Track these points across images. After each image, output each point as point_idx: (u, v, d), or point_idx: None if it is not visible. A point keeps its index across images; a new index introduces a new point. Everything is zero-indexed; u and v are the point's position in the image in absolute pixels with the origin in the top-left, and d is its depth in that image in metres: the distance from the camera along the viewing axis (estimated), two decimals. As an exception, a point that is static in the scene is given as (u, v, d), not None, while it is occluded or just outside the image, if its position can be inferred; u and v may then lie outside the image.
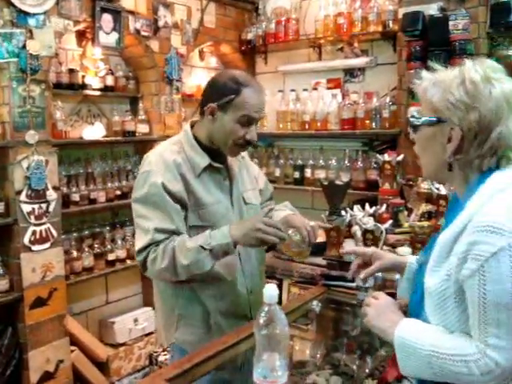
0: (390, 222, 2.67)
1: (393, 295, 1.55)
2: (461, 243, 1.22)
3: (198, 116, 2.08)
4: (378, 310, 1.44)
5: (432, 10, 3.44)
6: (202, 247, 1.84)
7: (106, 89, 3.84)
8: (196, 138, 2.03)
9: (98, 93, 3.79)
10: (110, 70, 3.90)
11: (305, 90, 4.36)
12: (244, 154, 2.24)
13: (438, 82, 1.33)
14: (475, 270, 1.17)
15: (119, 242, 3.89)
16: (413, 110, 1.29)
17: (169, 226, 1.90)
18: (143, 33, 3.86)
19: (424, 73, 1.38)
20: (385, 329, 1.38)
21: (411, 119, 1.39)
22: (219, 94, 1.94)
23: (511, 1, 3.24)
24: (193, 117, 4.61)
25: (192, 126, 2.08)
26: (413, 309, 1.39)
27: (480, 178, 1.30)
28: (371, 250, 1.74)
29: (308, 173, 4.21)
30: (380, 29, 3.84)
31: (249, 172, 2.27)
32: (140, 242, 1.91)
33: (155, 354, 4.04)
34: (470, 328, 1.21)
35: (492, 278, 1.15)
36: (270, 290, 1.29)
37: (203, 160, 2.00)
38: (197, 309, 2.04)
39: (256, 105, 1.95)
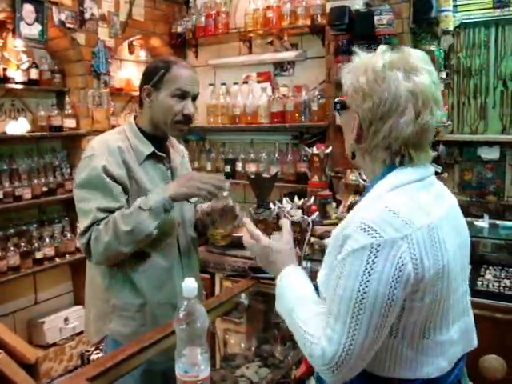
0: (317, 213, 2.71)
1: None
2: (340, 237, 1.21)
3: (139, 110, 2.14)
4: (260, 261, 1.50)
5: (358, 4, 3.50)
6: (140, 208, 1.88)
7: (30, 82, 3.72)
8: (140, 129, 2.08)
9: (21, 86, 3.66)
10: (34, 62, 3.77)
11: (235, 83, 4.36)
12: (185, 153, 2.33)
13: (353, 68, 1.31)
14: (339, 261, 1.18)
15: (47, 239, 3.79)
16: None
17: (112, 205, 1.92)
18: (68, 25, 3.76)
19: (353, 58, 1.35)
20: (274, 272, 1.45)
21: (335, 103, 1.40)
22: (151, 75, 2.03)
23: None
24: (122, 111, 4.54)
25: (135, 119, 2.14)
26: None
27: (383, 173, 1.28)
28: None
29: (239, 166, 4.21)
30: (309, 23, 3.87)
31: (187, 171, 2.30)
32: (82, 224, 1.92)
33: (87, 354, 3.97)
34: None
35: (346, 272, 1.15)
36: (189, 284, 1.29)
37: (147, 148, 2.05)
38: (134, 299, 2.04)
39: (187, 77, 2.03)
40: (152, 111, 2.05)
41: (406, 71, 1.23)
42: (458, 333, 1.30)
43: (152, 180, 2.05)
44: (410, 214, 1.17)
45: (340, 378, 1.16)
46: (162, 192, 1.93)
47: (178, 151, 2.26)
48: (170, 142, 2.21)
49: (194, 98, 2.10)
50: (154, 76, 2.02)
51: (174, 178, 2.13)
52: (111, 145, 1.98)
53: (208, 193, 1.96)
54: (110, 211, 1.91)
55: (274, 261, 1.45)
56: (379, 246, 1.12)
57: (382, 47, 1.31)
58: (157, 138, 2.09)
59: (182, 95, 2.02)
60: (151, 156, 2.06)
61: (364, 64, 1.28)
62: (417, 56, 1.28)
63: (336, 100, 1.39)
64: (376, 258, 1.12)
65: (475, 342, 1.39)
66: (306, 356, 1.21)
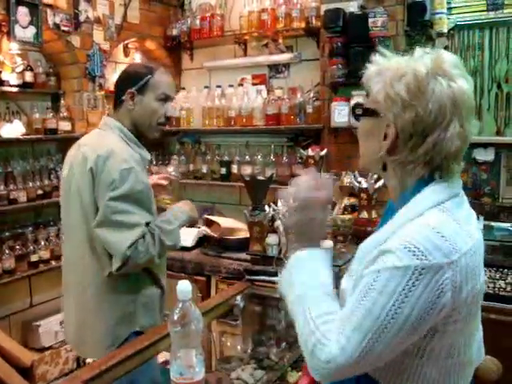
0: (312, 215, 2.71)
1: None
2: (376, 251, 1.13)
3: (114, 112, 2.22)
4: (297, 223, 1.32)
5: (352, 7, 3.52)
6: (179, 226, 2.15)
7: (24, 85, 3.71)
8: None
9: (16, 89, 3.66)
10: (29, 65, 3.77)
11: (230, 85, 4.35)
12: None
13: (383, 70, 1.20)
14: (372, 272, 1.10)
15: (42, 242, 3.78)
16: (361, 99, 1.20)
17: (150, 219, 2.07)
18: (63, 28, 3.76)
19: (375, 57, 1.24)
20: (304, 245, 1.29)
21: (355, 107, 1.31)
22: (135, 79, 2.13)
23: (426, 0, 3.36)
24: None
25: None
26: None
27: (416, 187, 1.19)
28: None
29: (234, 169, 4.20)
30: (303, 25, 3.88)
31: None
32: (128, 235, 1.96)
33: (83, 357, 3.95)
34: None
35: (379, 286, 1.07)
36: (183, 286, 1.28)
37: (147, 154, 2.22)
38: (155, 290, 2.21)
39: (169, 83, 2.23)
40: (134, 114, 2.14)
41: (448, 78, 1.14)
42: (476, 350, 1.26)
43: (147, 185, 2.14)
44: (456, 238, 1.10)
45: (333, 378, 1.11)
46: (185, 213, 2.22)
47: None
48: None
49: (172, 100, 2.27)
50: (138, 81, 2.12)
51: None
52: (134, 155, 2.08)
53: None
54: (149, 223, 2.04)
55: (313, 222, 1.30)
56: (423, 269, 1.05)
57: (419, 50, 1.20)
58: (140, 141, 2.20)
59: (165, 99, 2.17)
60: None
61: (400, 67, 1.17)
62: (451, 60, 1.18)
63: (358, 103, 1.32)
64: (417, 281, 1.05)
65: (483, 357, 1.36)
66: (307, 353, 1.13)
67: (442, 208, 1.15)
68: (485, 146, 3.51)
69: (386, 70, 1.19)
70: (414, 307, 1.05)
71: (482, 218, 3.25)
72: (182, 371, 1.27)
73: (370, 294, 1.08)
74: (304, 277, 1.23)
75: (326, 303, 1.17)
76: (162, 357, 2.82)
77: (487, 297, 2.50)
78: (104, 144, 2.06)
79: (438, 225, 1.10)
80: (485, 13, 3.48)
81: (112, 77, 4.37)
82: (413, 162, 1.17)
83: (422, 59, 1.16)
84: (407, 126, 1.14)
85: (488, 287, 2.64)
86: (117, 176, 1.97)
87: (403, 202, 1.19)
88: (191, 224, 2.47)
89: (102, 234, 1.98)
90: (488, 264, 2.94)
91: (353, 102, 3.27)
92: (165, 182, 2.51)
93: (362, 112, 1.26)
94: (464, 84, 1.15)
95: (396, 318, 1.05)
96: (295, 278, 1.24)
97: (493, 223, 3.27)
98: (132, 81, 2.13)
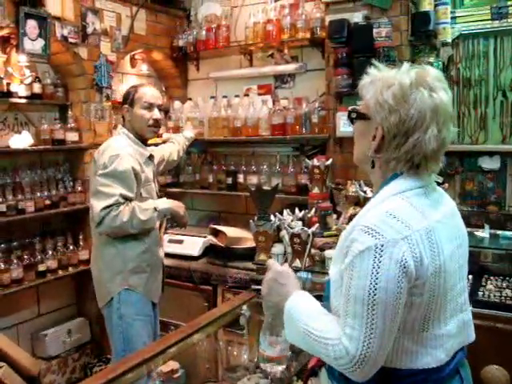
0: (317, 225, 2.72)
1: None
2: (348, 240, 1.31)
3: (122, 124, 3.10)
4: (268, 286, 1.55)
5: (357, 18, 3.53)
6: (155, 208, 2.83)
7: (33, 96, 3.74)
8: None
9: (24, 100, 3.69)
10: (37, 77, 3.81)
11: (236, 96, 4.38)
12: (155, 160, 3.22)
13: (375, 81, 1.39)
14: (348, 264, 1.28)
15: (50, 252, 3.80)
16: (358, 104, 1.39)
17: (130, 195, 2.77)
18: (71, 40, 3.80)
19: (370, 69, 1.43)
20: (277, 302, 1.49)
21: (350, 111, 1.49)
22: (126, 97, 3.03)
23: (430, 11, 3.38)
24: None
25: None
26: (327, 293, 1.47)
27: (388, 180, 1.39)
28: None
29: (241, 178, 4.22)
30: (308, 36, 3.90)
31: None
32: (104, 202, 2.69)
33: (90, 365, 3.97)
34: None
35: (356, 273, 1.25)
36: None
37: (146, 151, 3.03)
38: (144, 257, 2.94)
39: (151, 94, 3.02)
40: (132, 122, 2.99)
41: (430, 89, 1.32)
42: (456, 327, 1.40)
43: (150, 173, 3.01)
44: (409, 218, 1.28)
45: (366, 372, 1.24)
46: (168, 203, 2.97)
47: (153, 152, 3.16)
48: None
49: (160, 109, 3.08)
50: (128, 97, 3.00)
51: (155, 169, 3.15)
52: (129, 149, 2.86)
53: (182, 222, 3.07)
54: (127, 199, 2.74)
55: (285, 283, 1.52)
56: (382, 246, 1.23)
57: (406, 64, 1.39)
58: (143, 143, 3.02)
59: (149, 106, 2.98)
60: (148, 157, 3.02)
61: (389, 78, 1.36)
62: (435, 74, 1.37)
63: (352, 108, 1.48)
64: (381, 257, 1.22)
65: (472, 337, 1.49)
66: (331, 362, 1.28)
67: (401, 196, 1.33)
68: (490, 154, 3.52)
69: (378, 80, 1.39)
70: (387, 279, 1.22)
71: (487, 226, 3.25)
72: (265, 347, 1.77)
73: (352, 283, 1.26)
74: (299, 312, 1.40)
75: (320, 320, 1.35)
76: (167, 367, 2.83)
77: (494, 306, 2.53)
78: (107, 143, 2.92)
79: (391, 209, 1.29)
80: (489, 22, 3.50)
81: (119, 88, 4.42)
82: (395, 159, 1.35)
83: (408, 72, 1.36)
84: (392, 128, 1.33)
85: (494, 296, 2.64)
86: (106, 160, 2.75)
87: (376, 194, 1.40)
88: (176, 216, 3.06)
89: (91, 201, 2.80)
90: (494, 273, 2.94)
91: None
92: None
93: (356, 116, 1.47)
94: (444, 95, 1.34)
95: (377, 293, 1.22)
96: (290, 329, 1.43)
97: (499, 232, 3.26)
98: (125, 99, 3.03)
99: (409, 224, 1.26)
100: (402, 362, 1.31)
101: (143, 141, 3.02)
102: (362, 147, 1.46)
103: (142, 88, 3.03)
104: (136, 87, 3.04)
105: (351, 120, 1.49)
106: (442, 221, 1.36)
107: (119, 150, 2.80)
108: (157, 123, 3.02)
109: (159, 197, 3.14)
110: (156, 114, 2.99)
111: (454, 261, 1.37)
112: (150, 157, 3.05)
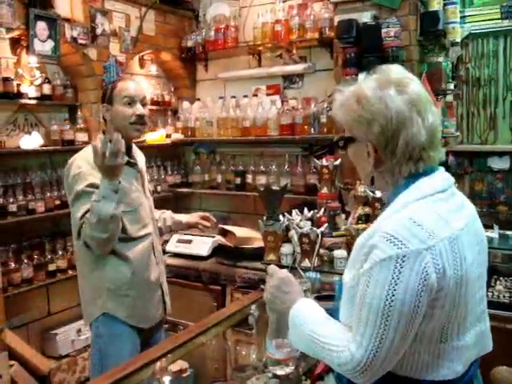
0: (326, 225, 2.72)
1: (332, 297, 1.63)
2: (367, 246, 1.27)
3: (105, 127, 2.67)
4: (272, 294, 1.53)
5: (365, 18, 3.52)
6: (94, 201, 2.24)
7: (43, 97, 3.77)
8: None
9: (34, 101, 3.72)
10: (47, 78, 3.83)
11: (245, 96, 4.39)
12: (143, 158, 2.78)
13: (343, 103, 1.39)
14: (366, 270, 1.25)
15: (60, 252, 3.82)
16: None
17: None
18: (80, 41, 3.82)
19: (335, 95, 1.44)
20: (282, 309, 1.48)
21: (337, 142, 1.48)
22: (104, 95, 2.57)
23: (439, 10, 3.37)
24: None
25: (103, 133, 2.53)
26: (337, 300, 1.46)
27: (405, 184, 1.34)
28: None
29: (249, 178, 4.23)
30: (317, 36, 3.91)
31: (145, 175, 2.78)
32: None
33: (99, 365, 3.98)
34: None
35: (373, 281, 1.22)
36: None
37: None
38: (126, 277, 2.51)
39: (131, 88, 2.54)
40: (114, 122, 2.53)
41: (397, 86, 1.31)
42: (474, 338, 1.36)
43: (129, 181, 2.51)
44: (433, 226, 1.24)
45: (368, 378, 1.23)
46: (103, 181, 2.25)
47: (140, 157, 2.74)
48: (133, 150, 2.67)
49: (144, 104, 2.59)
50: (106, 95, 2.55)
51: (142, 176, 2.66)
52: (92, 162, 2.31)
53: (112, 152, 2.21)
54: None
55: (289, 291, 1.51)
56: (404, 256, 1.19)
57: (360, 75, 1.41)
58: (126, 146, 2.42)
59: (131, 101, 2.50)
60: (127, 163, 2.46)
61: (354, 95, 1.35)
62: (395, 70, 1.37)
63: (337, 138, 1.49)
64: (402, 268, 1.19)
65: (489, 347, 1.45)
66: (336, 367, 1.28)
67: (424, 201, 1.29)
68: (500, 154, 3.50)
69: (345, 100, 1.38)
70: (406, 291, 1.18)
71: (496, 226, 3.24)
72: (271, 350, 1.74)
73: (368, 291, 1.23)
74: (301, 325, 1.39)
75: (326, 326, 1.35)
76: (176, 366, 2.84)
77: (503, 306, 2.51)
78: (74, 156, 2.52)
79: (415, 215, 1.24)
80: (499, 21, 3.49)
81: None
82: (397, 164, 1.34)
83: (367, 82, 1.36)
84: (379, 138, 1.31)
85: (504, 297, 2.63)
86: (70, 180, 2.42)
87: (393, 199, 1.35)
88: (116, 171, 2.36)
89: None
90: (503, 273, 2.92)
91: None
92: (208, 224, 2.97)
93: (343, 143, 1.44)
94: (413, 86, 1.33)
95: (394, 304, 1.19)
96: (295, 335, 1.43)
97: (508, 232, 3.24)
98: (103, 97, 2.57)
99: (433, 233, 1.22)
100: (417, 373, 1.28)
101: (127, 142, 2.44)
102: (363, 168, 1.43)
103: (120, 82, 2.58)
104: (115, 82, 2.63)
105: (342, 148, 1.46)
106: (465, 228, 1.32)
107: (82, 165, 2.40)
108: (141, 119, 2.53)
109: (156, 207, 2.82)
110: (139, 108, 2.52)
111: (474, 269, 1.32)
112: (130, 164, 2.56)
